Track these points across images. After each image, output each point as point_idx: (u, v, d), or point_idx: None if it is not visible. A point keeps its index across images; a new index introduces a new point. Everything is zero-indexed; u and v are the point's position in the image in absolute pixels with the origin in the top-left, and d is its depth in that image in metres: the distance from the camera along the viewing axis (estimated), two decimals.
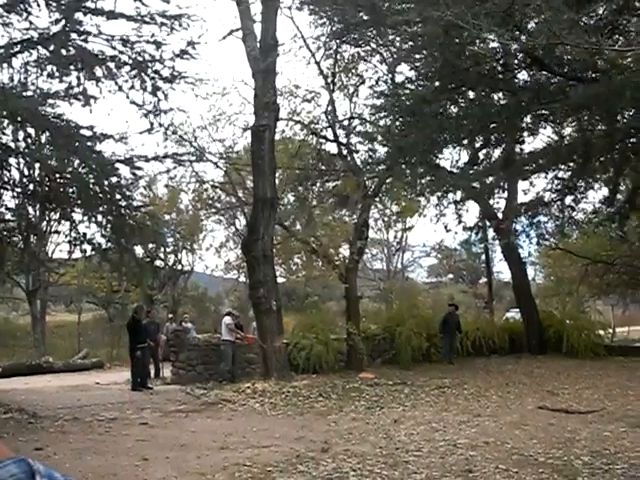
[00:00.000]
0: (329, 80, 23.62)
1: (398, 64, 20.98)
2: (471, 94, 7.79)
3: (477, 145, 25.96)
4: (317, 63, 23.19)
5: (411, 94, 7.70)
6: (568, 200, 10.20)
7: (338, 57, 23.52)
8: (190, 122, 24.03)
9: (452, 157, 21.07)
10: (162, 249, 38.11)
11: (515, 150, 8.81)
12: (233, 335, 20.29)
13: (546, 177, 10.01)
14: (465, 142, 8.86)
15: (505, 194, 26.74)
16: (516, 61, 6.68)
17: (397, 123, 10.18)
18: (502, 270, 43.92)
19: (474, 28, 5.35)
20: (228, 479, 8.37)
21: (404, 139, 8.02)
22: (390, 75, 22.24)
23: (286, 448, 10.29)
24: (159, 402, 16.01)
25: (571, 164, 8.66)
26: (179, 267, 39.40)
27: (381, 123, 21.16)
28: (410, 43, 7.78)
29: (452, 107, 7.39)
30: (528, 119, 7.53)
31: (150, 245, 18.25)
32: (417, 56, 7.83)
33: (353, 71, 23.58)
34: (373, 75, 23.26)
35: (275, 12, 19.66)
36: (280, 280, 46.72)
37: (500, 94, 7.48)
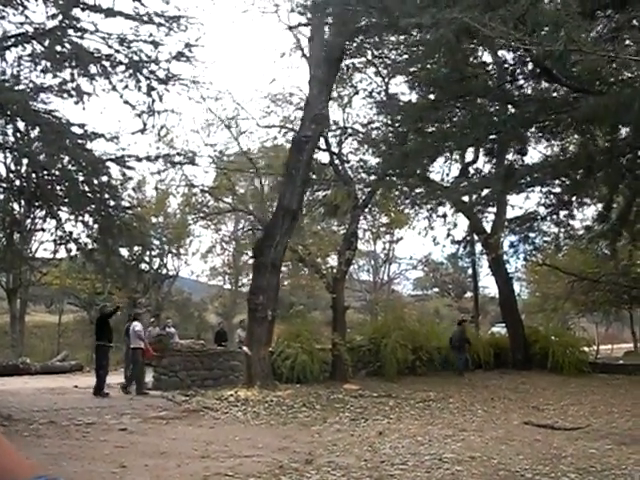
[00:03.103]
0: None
1: (393, 76, 20.90)
2: (477, 102, 7.65)
3: (468, 159, 26.13)
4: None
5: (415, 103, 7.54)
6: (562, 215, 10.11)
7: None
8: (183, 125, 23.96)
9: (442, 170, 21.09)
10: (148, 252, 37.98)
11: (515, 162, 8.72)
12: (139, 343, 19.60)
13: (541, 191, 9.89)
14: (470, 149, 8.74)
15: (494, 209, 26.74)
16: (524, 71, 6.55)
17: (399, 130, 10.03)
18: (488, 285, 43.94)
19: (489, 30, 5.21)
20: None
21: (408, 146, 7.86)
22: (384, 87, 22.19)
23: (269, 458, 10.08)
24: (139, 408, 15.73)
25: (565, 179, 8.54)
26: (164, 271, 39.13)
27: (374, 134, 21.15)
28: (413, 49, 7.64)
29: (457, 115, 7.25)
30: (533, 130, 7.41)
31: (136, 247, 18.00)
32: (417, 66, 7.67)
33: (348, 82, 23.45)
34: (367, 86, 23.19)
35: (349, 25, 19.29)
36: None
37: (506, 104, 7.34)
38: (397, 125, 11.78)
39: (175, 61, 15.55)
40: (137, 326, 19.58)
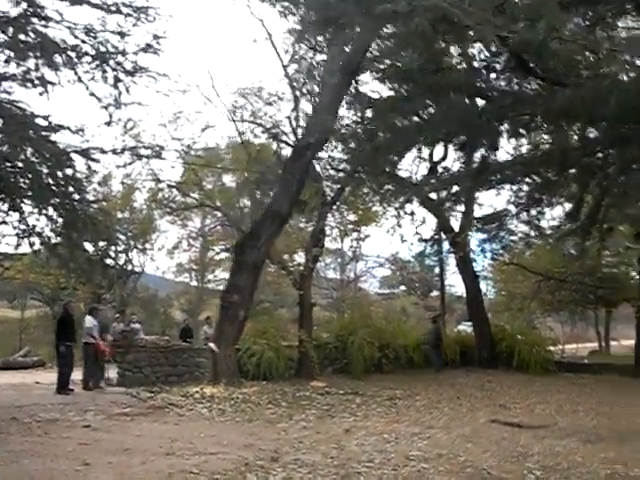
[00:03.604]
0: (294, 85, 23.36)
1: (362, 71, 20.81)
2: (450, 95, 7.58)
3: (437, 158, 26.16)
4: (284, 67, 22.93)
5: (386, 98, 7.46)
6: (533, 213, 10.10)
7: (302, 63, 23.26)
8: (150, 118, 23.69)
9: (411, 168, 21.06)
10: (113, 247, 37.61)
11: (487, 158, 8.69)
12: (88, 338, 19.21)
13: (511, 189, 9.87)
14: (439, 147, 8.68)
15: (462, 207, 26.81)
16: (500, 63, 6.50)
17: (368, 127, 9.94)
18: (454, 283, 44.11)
19: (468, 17, 5.14)
20: None
21: (378, 141, 7.77)
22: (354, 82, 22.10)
23: (234, 456, 9.95)
24: (103, 404, 15.49)
25: (537, 176, 8.51)
26: (129, 267, 38.81)
27: (343, 130, 21.04)
28: (385, 43, 7.54)
29: (429, 109, 7.17)
30: (506, 125, 7.36)
31: (101, 242, 17.73)
32: (390, 59, 7.57)
33: (317, 77, 23.31)
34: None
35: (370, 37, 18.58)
36: None
37: (480, 98, 7.28)
38: (366, 122, 11.71)
39: (142, 53, 15.28)
40: (87, 322, 19.30)
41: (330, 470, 9.31)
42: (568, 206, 11.48)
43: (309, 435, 12.42)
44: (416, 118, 7.43)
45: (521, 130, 7.46)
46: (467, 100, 7.17)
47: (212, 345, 19.55)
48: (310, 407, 16.27)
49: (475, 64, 6.76)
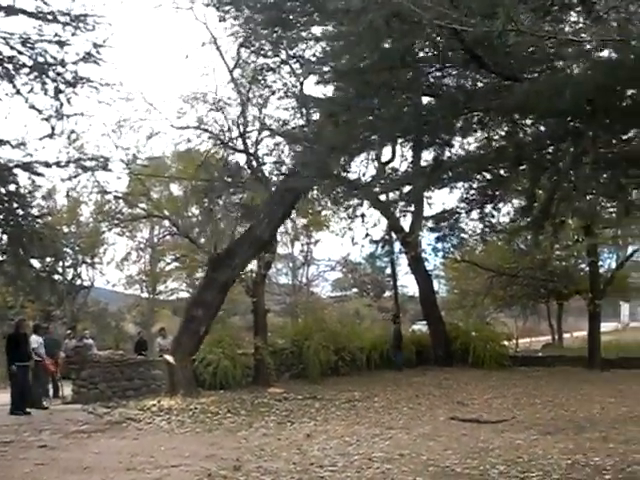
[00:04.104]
0: (240, 89, 23.22)
1: (308, 75, 20.77)
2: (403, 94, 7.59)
3: (385, 159, 26.23)
4: (230, 72, 22.79)
5: (335, 98, 7.43)
6: (487, 209, 10.20)
7: (248, 67, 23.14)
8: (94, 129, 23.29)
9: (359, 170, 21.07)
10: (61, 262, 36.98)
11: (440, 155, 8.69)
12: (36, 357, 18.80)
13: (463, 186, 9.94)
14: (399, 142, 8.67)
15: (412, 207, 26.91)
16: (454, 59, 6.52)
17: (316, 130, 9.92)
18: (406, 284, 44.28)
19: (423, 11, 5.13)
20: None
21: (327, 142, 7.74)
22: (299, 87, 22.07)
23: (196, 467, 9.86)
24: (59, 423, 15.18)
25: (490, 172, 8.58)
26: (78, 282, 38.20)
27: (290, 135, 20.95)
28: (335, 43, 7.52)
29: (382, 108, 7.16)
30: (461, 122, 7.40)
31: (49, 258, 17.37)
32: (341, 58, 7.54)
33: (262, 82, 23.22)
34: (283, 87, 22.99)
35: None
36: (183, 295, 46.39)
37: (433, 95, 7.31)
38: (313, 124, 11.70)
39: (83, 63, 14.99)
40: (33, 341, 18.88)
41: (293, 476, 9.29)
42: (519, 202, 11.60)
43: (270, 442, 12.37)
44: (368, 117, 7.45)
45: (475, 127, 7.50)
46: (420, 98, 7.20)
47: (167, 357, 19.34)
48: (269, 414, 16.20)
49: (428, 61, 6.78)
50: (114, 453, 11.31)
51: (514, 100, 5.79)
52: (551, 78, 5.79)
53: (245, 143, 23.54)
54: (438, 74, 7.02)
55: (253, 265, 25.16)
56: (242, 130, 23.23)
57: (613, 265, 33.33)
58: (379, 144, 9.73)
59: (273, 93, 23.18)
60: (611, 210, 16.78)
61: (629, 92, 5.96)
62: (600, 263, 30.41)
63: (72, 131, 16.69)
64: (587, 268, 30.37)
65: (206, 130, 24.27)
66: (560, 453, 10.80)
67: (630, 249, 33.38)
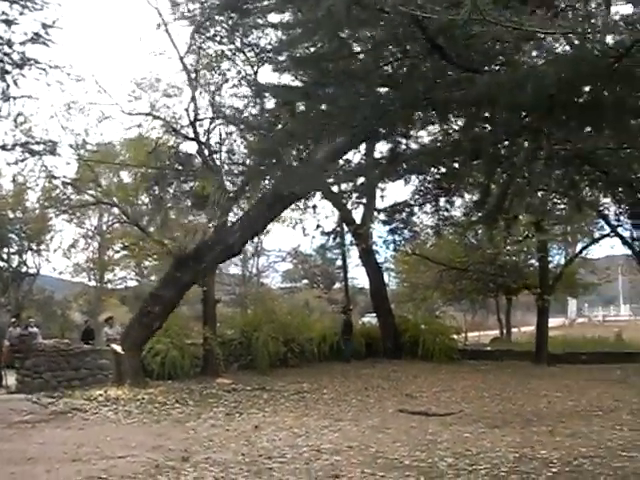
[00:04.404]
0: (192, 76, 22.94)
1: (262, 64, 20.63)
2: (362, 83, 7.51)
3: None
4: (181, 58, 22.48)
5: (291, 87, 7.34)
6: (442, 202, 10.21)
7: (202, 53, 22.86)
8: (42, 112, 22.82)
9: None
10: (6, 249, 36.37)
11: (397, 147, 8.63)
12: None
13: (418, 178, 9.93)
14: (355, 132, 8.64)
15: (364, 200, 26.93)
16: (415, 49, 6.46)
17: (270, 118, 9.82)
18: (356, 276, 44.36)
19: None
20: None
21: (282, 131, 7.64)
22: (254, 75, 21.93)
23: (143, 458, 9.74)
24: (2, 413, 14.84)
25: (446, 165, 8.58)
26: (24, 269, 37.58)
27: (243, 124, 20.75)
28: (292, 30, 7.41)
29: (343, 95, 7.07)
30: (420, 114, 7.37)
31: None
32: (297, 47, 7.44)
33: (216, 69, 22.98)
34: (237, 75, 22.81)
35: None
36: (132, 283, 45.92)
37: (391, 86, 7.25)
38: (268, 113, 11.59)
39: (31, 43, 14.66)
40: None
41: (242, 467, 9.24)
42: (471, 196, 11.67)
43: (219, 433, 12.34)
44: (325, 106, 7.37)
45: (433, 119, 7.48)
46: (379, 88, 7.13)
47: (115, 346, 19.10)
48: (218, 404, 16.14)
49: (387, 50, 6.73)
50: (59, 444, 11.11)
51: (475, 92, 5.76)
52: (514, 71, 5.78)
53: (196, 131, 23.29)
54: (398, 64, 6.96)
55: None
56: (193, 118, 22.97)
57: (562, 261, 33.83)
58: (336, 133, 9.64)
59: (226, 81, 22.99)
60: (562, 207, 17.03)
61: (587, 88, 5.99)
62: (549, 259, 30.84)
63: (19, 113, 16.38)
64: (537, 264, 30.75)
65: (157, 117, 23.97)
66: (508, 446, 10.93)
67: (579, 246, 33.89)
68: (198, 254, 19.79)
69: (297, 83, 7.81)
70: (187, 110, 23.05)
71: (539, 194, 11.54)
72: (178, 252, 19.89)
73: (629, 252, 22.92)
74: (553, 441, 11.35)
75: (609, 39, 5.47)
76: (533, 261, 32.41)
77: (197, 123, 23.21)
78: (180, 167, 25.84)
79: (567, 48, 5.99)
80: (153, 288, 20.82)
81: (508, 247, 29.86)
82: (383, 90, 7.28)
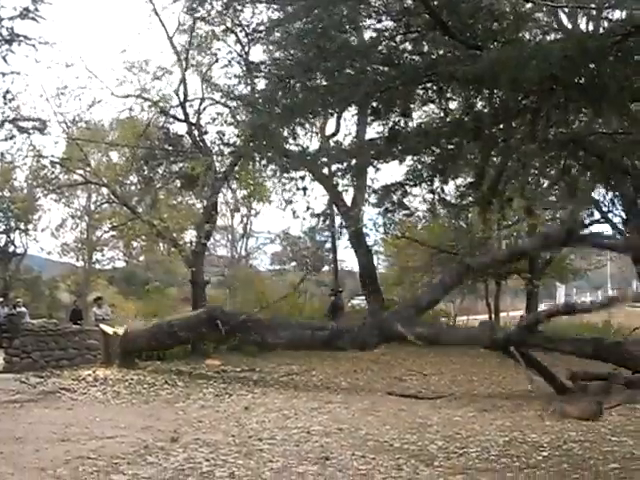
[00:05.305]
0: (182, 57, 22.79)
1: (253, 44, 20.50)
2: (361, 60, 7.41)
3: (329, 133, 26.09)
4: (169, 38, 22.32)
5: (287, 62, 7.22)
6: (436, 183, 10.13)
7: (193, 34, 22.70)
8: (31, 91, 22.68)
9: (303, 142, 20.95)
10: None
11: (397, 125, 8.56)
12: None
13: (412, 159, 9.84)
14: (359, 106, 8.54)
15: (355, 182, 26.84)
16: (417, 25, 6.37)
17: (262, 97, 9.70)
18: (345, 258, 44.38)
19: None
20: (71, 474, 7.62)
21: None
22: (245, 55, 21.82)
23: (133, 438, 9.67)
24: None
25: (444, 146, 8.51)
26: (11, 248, 37.41)
27: (234, 104, 20.63)
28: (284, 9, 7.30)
29: (336, 74, 6.97)
30: (420, 91, 7.28)
31: None
32: (291, 25, 7.33)
33: (207, 50, 22.85)
34: (227, 55, 22.68)
35: None
36: (120, 264, 45.81)
37: (389, 65, 7.15)
38: (261, 92, 11.46)
39: (20, 19, 14.45)
40: None
41: (232, 449, 9.18)
42: (464, 179, 11.61)
43: (208, 414, 12.29)
44: (324, 83, 7.28)
45: (433, 96, 7.39)
46: (380, 64, 7.05)
47: (104, 326, 19.02)
48: (207, 386, 16.08)
49: (386, 25, 6.65)
50: (47, 423, 11.02)
51: (478, 69, 5.67)
52: (521, 47, 5.69)
53: (186, 112, 23.17)
54: (400, 39, 6.86)
55: (192, 235, 24.94)
56: (182, 98, 22.84)
57: None
58: (337, 108, 9.55)
59: (217, 61, 22.87)
60: (555, 192, 17.00)
61: (590, 69, 5.91)
62: None
63: (8, 90, 16.18)
64: None
65: (147, 99, 23.83)
66: (497, 430, 10.95)
67: None
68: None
69: (294, 59, 7.72)
70: (177, 91, 22.94)
71: (532, 178, 11.50)
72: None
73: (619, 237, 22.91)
74: (543, 425, 11.38)
75: (617, 15, 5.40)
76: None
77: (187, 104, 23.10)
78: (170, 148, 25.75)
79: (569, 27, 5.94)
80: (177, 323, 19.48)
81: (498, 231, 29.80)
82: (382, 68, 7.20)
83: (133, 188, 29.40)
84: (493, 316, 39.70)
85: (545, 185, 13.33)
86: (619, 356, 15.16)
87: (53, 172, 28.10)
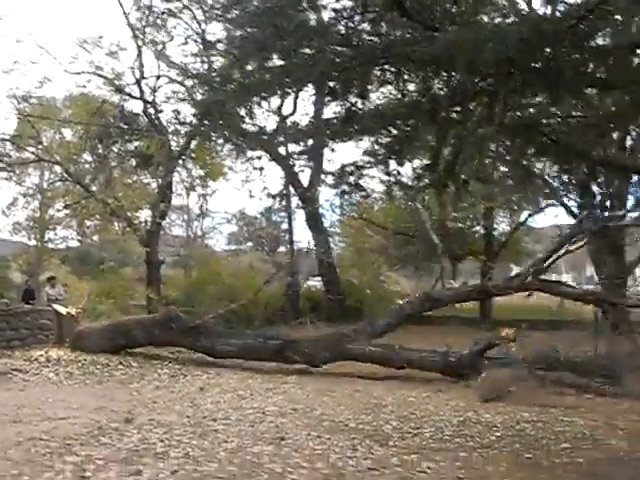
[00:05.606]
0: (138, 34, 22.50)
1: (210, 22, 20.30)
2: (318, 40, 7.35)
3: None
4: (125, 15, 21.99)
5: (246, 41, 7.12)
6: (392, 164, 10.11)
7: (149, 11, 22.41)
8: None
9: (260, 122, 20.81)
10: None
11: (354, 105, 8.49)
12: None
13: (369, 140, 9.83)
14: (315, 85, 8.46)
15: (311, 163, 26.87)
16: (376, 5, 6.33)
17: (217, 75, 9.57)
18: (301, 239, 44.33)
19: None
20: (23, 455, 7.50)
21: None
22: (201, 33, 21.62)
23: (86, 419, 9.55)
24: None
25: (401, 126, 8.49)
26: None
27: (190, 82, 20.40)
28: None
29: (300, 51, 6.91)
30: (377, 72, 7.24)
31: None
32: (242, 6, 7.25)
33: (163, 27, 22.59)
34: (184, 32, 22.46)
35: None
36: (73, 244, 45.21)
37: (345, 46, 7.11)
38: (217, 70, 11.31)
39: None
40: None
41: (187, 429, 9.14)
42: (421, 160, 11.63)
43: (163, 395, 12.25)
44: (281, 62, 7.21)
45: (390, 77, 7.36)
46: (337, 45, 7.00)
47: (57, 306, 18.79)
48: (162, 366, 16.03)
49: (345, 4, 6.60)
50: None
51: (435, 50, 5.66)
52: (478, 29, 5.70)
53: (141, 90, 22.89)
54: (358, 19, 6.82)
55: (148, 215, 24.71)
56: (139, 76, 22.56)
57: (507, 229, 34.17)
58: (294, 87, 9.49)
59: (172, 39, 22.62)
60: (509, 174, 17.10)
61: (546, 53, 5.94)
62: (495, 226, 31.14)
63: None
64: (482, 231, 31.01)
65: (101, 75, 23.48)
66: (452, 410, 11.13)
67: (524, 214, 34.24)
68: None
69: (250, 37, 7.62)
70: (132, 69, 22.66)
71: (488, 161, 11.57)
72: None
73: (573, 221, 23.24)
74: (496, 406, 11.58)
75: None
76: (478, 228, 32.70)
77: (143, 82, 22.83)
78: (125, 126, 25.44)
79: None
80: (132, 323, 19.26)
81: (454, 213, 30.04)
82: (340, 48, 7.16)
83: (87, 166, 28.98)
84: None
85: (501, 168, 13.42)
86: None
87: (3, 149, 27.61)
